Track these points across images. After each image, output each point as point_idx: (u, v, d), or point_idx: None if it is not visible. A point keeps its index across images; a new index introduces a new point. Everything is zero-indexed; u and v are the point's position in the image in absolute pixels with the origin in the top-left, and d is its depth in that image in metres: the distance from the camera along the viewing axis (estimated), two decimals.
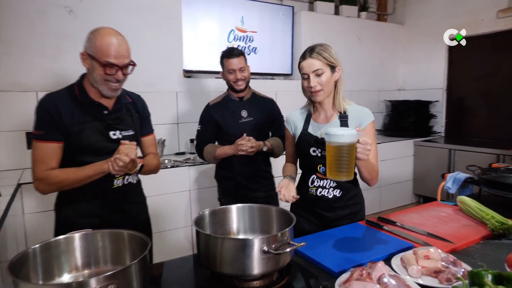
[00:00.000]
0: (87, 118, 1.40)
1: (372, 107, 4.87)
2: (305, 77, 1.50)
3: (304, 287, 0.90)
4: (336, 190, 1.58)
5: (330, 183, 1.58)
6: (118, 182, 1.47)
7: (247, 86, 2.22)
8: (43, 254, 0.82)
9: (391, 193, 4.42)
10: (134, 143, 1.46)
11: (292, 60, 4.21)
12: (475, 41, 4.21)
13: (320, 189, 1.58)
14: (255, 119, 2.21)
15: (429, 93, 4.78)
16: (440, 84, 4.69)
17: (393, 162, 4.38)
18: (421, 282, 1.05)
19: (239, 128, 2.17)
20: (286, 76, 4.23)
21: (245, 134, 2.07)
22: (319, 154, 1.55)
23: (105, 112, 1.45)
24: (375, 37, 4.73)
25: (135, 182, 1.58)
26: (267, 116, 2.25)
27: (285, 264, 0.92)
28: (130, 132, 1.52)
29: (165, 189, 2.88)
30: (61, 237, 0.86)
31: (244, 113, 2.20)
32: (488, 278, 0.90)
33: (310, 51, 1.49)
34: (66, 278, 0.84)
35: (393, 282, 0.98)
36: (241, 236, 1.11)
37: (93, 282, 0.67)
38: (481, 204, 1.60)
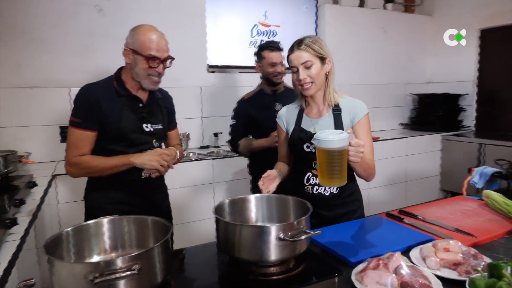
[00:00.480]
0: (125, 109, 1.47)
1: (398, 100, 4.78)
2: (294, 70, 1.46)
3: (320, 274, 0.92)
4: (333, 187, 1.53)
5: None
6: (146, 173, 1.54)
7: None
8: (75, 236, 0.88)
9: (417, 188, 4.33)
10: (173, 153, 1.58)
11: None
12: (508, 30, 4.03)
13: (316, 187, 1.52)
14: None
15: (459, 86, 4.63)
16: (471, 76, 4.53)
17: (420, 157, 4.29)
18: (439, 273, 1.05)
19: (273, 121, 2.17)
20: None
21: None
22: (313, 150, 1.48)
23: (140, 105, 1.53)
24: (401, 29, 4.62)
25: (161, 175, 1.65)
26: None
27: (301, 252, 0.95)
28: (160, 126, 1.60)
29: (190, 181, 2.96)
30: (91, 221, 0.92)
31: (278, 106, 2.20)
32: (508, 271, 0.89)
33: (298, 43, 1.44)
34: (95, 259, 0.91)
35: (409, 272, 0.99)
36: (259, 224, 1.15)
37: (119, 261, 0.72)
38: (508, 199, 1.56)
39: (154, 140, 1.59)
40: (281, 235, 0.88)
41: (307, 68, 1.42)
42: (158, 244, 0.79)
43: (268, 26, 3.84)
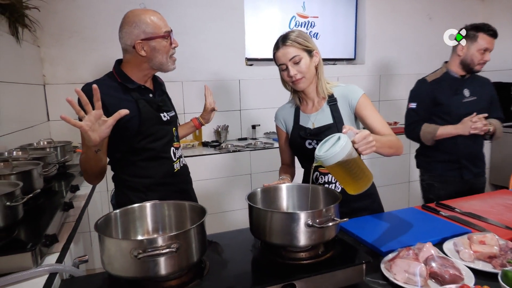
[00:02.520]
0: (140, 103, 1.37)
1: None
2: (283, 68, 1.42)
3: (348, 261, 0.95)
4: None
5: None
6: (177, 166, 1.51)
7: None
8: (122, 218, 0.98)
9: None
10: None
11: (355, 44, 4.11)
12: None
13: (326, 185, 1.47)
14: (478, 98, 2.08)
15: None
16: None
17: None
18: (472, 265, 1.03)
19: (463, 107, 2.05)
20: (349, 60, 4.15)
21: (475, 113, 1.96)
22: (316, 146, 1.41)
23: (151, 95, 1.45)
24: (449, 15, 4.38)
25: (186, 163, 1.63)
26: (488, 96, 2.14)
27: (330, 238, 0.98)
28: (173, 113, 1.54)
29: (228, 172, 3.06)
30: (135, 205, 1.02)
31: (466, 92, 2.08)
32: None
33: (282, 40, 1.40)
34: (140, 238, 1.00)
35: (440, 262, 0.99)
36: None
37: (160, 240, 0.80)
38: None
39: (174, 129, 1.52)
40: (310, 222, 0.92)
41: (296, 63, 1.39)
42: (195, 226, 0.86)
43: (306, 17, 3.83)
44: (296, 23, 3.79)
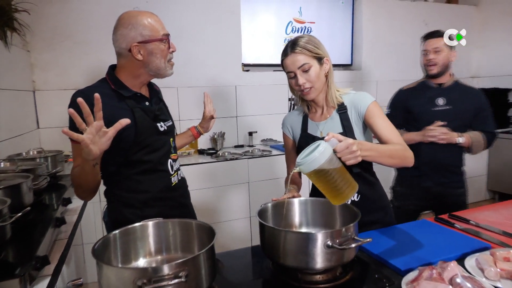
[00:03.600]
0: (136, 112, 1.28)
1: None
2: (291, 75, 1.35)
3: (368, 284, 0.88)
4: (354, 194, 1.36)
5: None
6: (174, 179, 1.41)
7: (443, 71, 2.08)
8: (122, 239, 0.89)
9: None
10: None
11: (352, 50, 4.08)
12: None
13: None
14: (454, 107, 2.03)
15: (508, 79, 4.33)
16: None
17: (466, 156, 4.05)
18: (499, 286, 0.97)
19: (432, 116, 2.02)
20: (345, 66, 4.11)
21: (438, 122, 1.96)
22: None
23: (147, 103, 1.35)
24: (444, 21, 4.37)
25: (184, 176, 1.53)
26: (470, 106, 2.05)
27: (349, 260, 0.90)
28: (170, 123, 1.44)
29: (224, 181, 2.97)
30: (137, 224, 0.93)
31: (440, 101, 2.05)
32: None
33: (292, 46, 1.32)
34: (141, 262, 0.91)
35: (468, 284, 0.92)
36: (303, 230, 1.12)
37: (166, 268, 0.71)
38: None
39: (171, 139, 1.43)
40: (329, 242, 0.84)
41: (305, 71, 1.31)
42: (204, 250, 0.78)
43: (303, 22, 3.78)
44: (292, 28, 3.74)
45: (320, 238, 0.84)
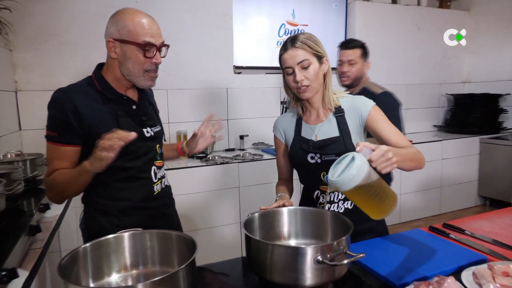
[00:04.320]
0: (120, 116, 1.21)
1: (432, 101, 4.55)
2: (289, 71, 1.28)
3: None
4: (346, 202, 1.33)
5: (337, 195, 1.33)
6: (157, 188, 1.33)
7: (355, 83, 2.16)
8: (94, 253, 0.82)
9: (453, 194, 4.09)
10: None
11: None
12: None
13: (328, 205, 1.33)
14: None
15: (499, 85, 4.34)
16: None
17: (456, 161, 4.05)
18: None
19: None
20: None
21: None
22: (319, 160, 1.31)
23: (134, 107, 1.27)
24: (436, 25, 4.38)
25: (169, 184, 1.45)
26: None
27: (341, 276, 0.84)
28: (158, 128, 1.36)
29: (214, 185, 2.90)
30: (110, 236, 0.86)
31: None
32: None
33: (292, 40, 1.27)
34: (115, 277, 0.84)
35: None
36: (292, 241, 1.05)
37: (140, 287, 0.64)
38: None
39: (158, 146, 1.35)
40: (319, 258, 0.78)
41: (304, 68, 1.26)
42: (184, 266, 0.71)
43: (296, 25, 3.73)
44: (285, 31, 3.69)
45: (310, 253, 0.78)
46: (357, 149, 0.91)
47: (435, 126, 4.60)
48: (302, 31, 3.76)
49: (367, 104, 1.31)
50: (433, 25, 4.35)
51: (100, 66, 1.28)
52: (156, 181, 1.32)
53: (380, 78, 4.12)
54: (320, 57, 1.29)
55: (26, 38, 2.73)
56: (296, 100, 1.40)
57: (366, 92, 2.08)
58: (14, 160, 1.84)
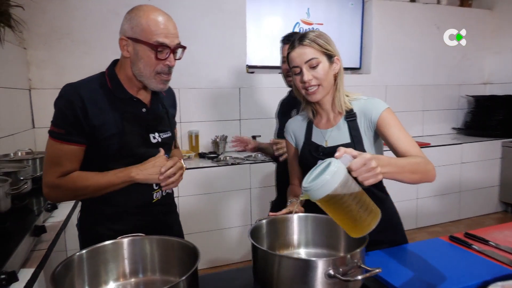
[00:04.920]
0: (127, 118, 1.15)
1: (451, 103, 4.41)
2: (296, 71, 1.21)
3: None
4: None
5: None
6: (157, 196, 1.25)
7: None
8: (90, 260, 0.77)
9: (472, 199, 3.94)
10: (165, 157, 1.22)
11: (361, 53, 3.95)
12: None
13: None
14: None
15: None
16: None
17: (476, 165, 3.90)
18: None
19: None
20: (354, 70, 3.98)
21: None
22: None
23: (144, 110, 1.21)
24: (457, 25, 4.23)
25: (171, 191, 1.36)
26: None
27: None
28: (168, 134, 1.29)
29: (225, 186, 2.85)
30: (108, 242, 0.81)
31: (294, 113, 1.88)
32: None
33: (300, 38, 1.20)
34: (112, 286, 0.79)
35: None
36: (302, 250, 0.99)
37: None
38: None
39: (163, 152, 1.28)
40: (331, 271, 0.71)
41: (313, 67, 1.18)
42: (185, 277, 0.66)
43: (310, 24, 3.66)
44: (300, 30, 3.62)
45: (321, 266, 0.72)
46: (336, 154, 0.83)
47: (454, 128, 4.45)
48: (318, 29, 3.68)
49: (379, 108, 1.21)
50: (453, 25, 4.20)
51: (114, 63, 1.23)
52: (156, 188, 1.25)
53: (397, 79, 4.03)
54: (330, 56, 1.21)
55: (40, 36, 2.74)
56: (306, 102, 1.33)
57: None
58: (24, 158, 1.83)
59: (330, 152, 1.23)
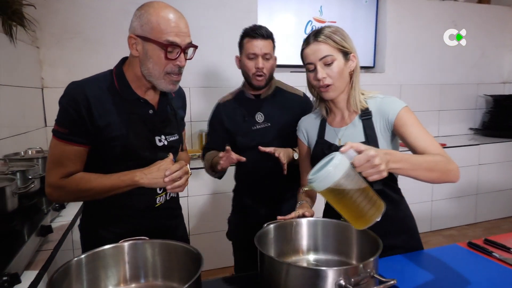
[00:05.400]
0: (132, 119, 1.12)
1: (469, 102, 4.28)
2: (310, 68, 1.18)
3: None
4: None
5: None
6: (160, 200, 1.22)
7: (269, 81, 1.65)
8: (89, 265, 0.75)
9: (489, 202, 3.82)
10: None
11: (375, 51, 3.86)
12: None
13: None
14: (272, 125, 1.64)
15: None
16: None
17: (494, 167, 3.78)
18: None
19: (250, 137, 1.62)
20: (367, 69, 3.90)
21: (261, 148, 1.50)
22: None
23: (151, 111, 1.16)
24: (475, 22, 4.10)
25: (175, 195, 1.32)
26: (291, 119, 1.56)
27: None
28: (175, 137, 1.24)
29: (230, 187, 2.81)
30: (109, 246, 0.78)
31: (259, 117, 1.65)
32: None
33: (315, 34, 1.16)
34: None
35: None
36: (311, 256, 0.94)
37: None
38: None
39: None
40: (342, 282, 0.67)
41: (327, 65, 1.14)
42: (188, 285, 0.62)
43: (323, 22, 3.59)
44: (312, 28, 3.55)
45: (331, 276, 0.67)
46: (341, 149, 0.82)
47: (471, 129, 4.32)
48: None
49: (396, 107, 1.16)
50: (471, 22, 4.08)
51: (123, 61, 1.18)
52: (160, 192, 1.21)
53: (414, 77, 3.93)
54: (346, 53, 1.17)
55: (52, 35, 2.75)
56: (320, 100, 1.29)
57: (284, 93, 1.74)
58: (34, 157, 1.83)
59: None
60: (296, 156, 1.54)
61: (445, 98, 4.13)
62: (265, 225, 0.91)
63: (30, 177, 1.49)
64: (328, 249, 0.93)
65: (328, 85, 1.16)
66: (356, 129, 1.21)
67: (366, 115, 1.20)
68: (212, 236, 2.77)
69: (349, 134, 1.22)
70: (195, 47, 1.13)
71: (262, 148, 1.49)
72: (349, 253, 0.92)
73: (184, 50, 1.08)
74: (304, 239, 0.95)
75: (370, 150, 0.82)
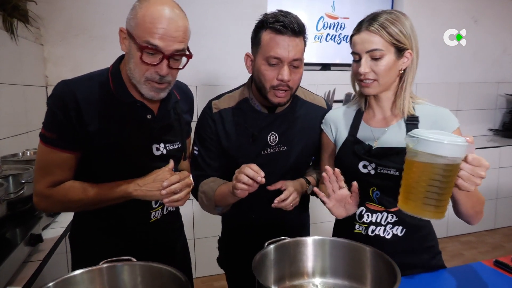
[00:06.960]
0: (128, 125, 1.02)
1: (488, 102, 4.10)
2: (355, 58, 1.05)
3: None
4: (396, 227, 1.05)
5: (387, 216, 1.04)
6: (156, 215, 1.11)
7: (293, 96, 1.23)
8: None
9: (510, 207, 3.64)
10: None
11: None
12: None
13: (372, 227, 1.05)
14: (289, 149, 1.23)
15: None
16: None
17: None
18: None
19: (260, 165, 1.04)
20: None
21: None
22: (372, 172, 1.05)
23: (149, 116, 1.05)
24: (496, 17, 3.91)
25: (173, 209, 1.19)
26: (313, 139, 1.26)
27: None
28: (177, 145, 1.12)
29: None
30: (81, 271, 0.69)
31: (273, 138, 1.23)
32: None
33: (369, 21, 1.01)
34: None
35: None
36: (317, 280, 0.83)
37: None
38: None
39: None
40: None
41: (374, 59, 1.01)
42: None
43: (335, 18, 3.46)
44: (324, 25, 3.43)
45: None
46: (467, 139, 0.76)
47: (490, 130, 4.14)
48: (343, 25, 3.48)
49: (453, 124, 1.05)
50: (492, 17, 3.89)
51: (121, 58, 1.08)
52: (155, 207, 1.10)
53: (431, 76, 3.76)
54: (401, 50, 1.02)
55: (57, 33, 2.70)
56: (360, 94, 1.14)
57: (303, 106, 1.31)
58: (32, 159, 1.76)
59: (378, 154, 1.05)
60: (309, 190, 1.23)
61: (464, 97, 3.95)
62: (266, 244, 0.81)
63: (23, 181, 1.42)
64: (337, 273, 0.82)
65: (369, 81, 1.03)
66: (399, 132, 1.07)
67: (412, 120, 1.06)
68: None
69: (389, 137, 1.08)
70: (188, 56, 0.99)
71: (271, 188, 1.15)
72: (361, 278, 0.81)
73: (168, 57, 0.94)
74: (310, 260, 0.84)
75: (484, 160, 0.79)
